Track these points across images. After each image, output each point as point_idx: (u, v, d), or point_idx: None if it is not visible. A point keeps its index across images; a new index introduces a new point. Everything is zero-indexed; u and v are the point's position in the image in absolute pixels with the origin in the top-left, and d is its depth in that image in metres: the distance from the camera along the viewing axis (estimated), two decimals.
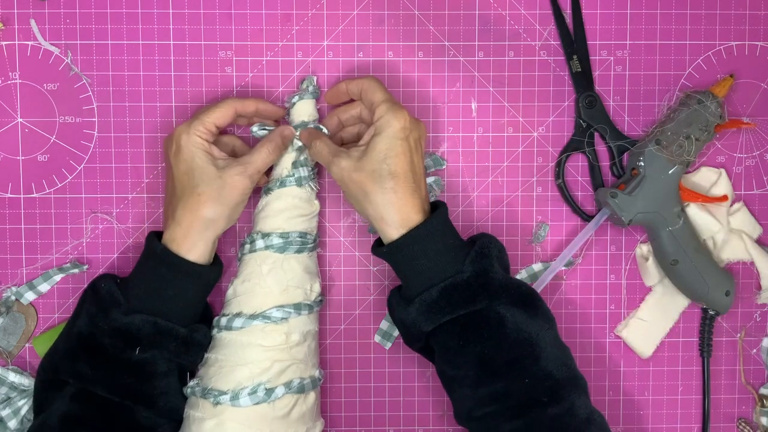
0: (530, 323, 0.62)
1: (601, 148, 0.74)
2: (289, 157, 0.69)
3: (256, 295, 0.67)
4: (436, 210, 0.65)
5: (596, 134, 0.74)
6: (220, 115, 0.67)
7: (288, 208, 0.68)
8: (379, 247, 0.66)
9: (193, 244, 0.65)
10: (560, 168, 0.73)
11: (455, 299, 0.62)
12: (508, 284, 0.63)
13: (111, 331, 0.63)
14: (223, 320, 0.67)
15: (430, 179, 0.73)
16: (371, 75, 0.69)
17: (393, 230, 0.63)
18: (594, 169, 0.74)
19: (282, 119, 0.72)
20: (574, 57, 0.73)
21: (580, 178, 0.74)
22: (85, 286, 0.68)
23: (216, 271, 0.68)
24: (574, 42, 0.73)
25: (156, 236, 0.67)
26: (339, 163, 0.65)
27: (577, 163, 0.74)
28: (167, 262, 0.65)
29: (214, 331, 0.68)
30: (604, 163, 0.74)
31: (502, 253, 0.67)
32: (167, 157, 0.67)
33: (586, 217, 0.74)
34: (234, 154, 0.70)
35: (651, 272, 0.74)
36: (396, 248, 0.64)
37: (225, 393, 0.65)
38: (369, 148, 0.64)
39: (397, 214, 0.63)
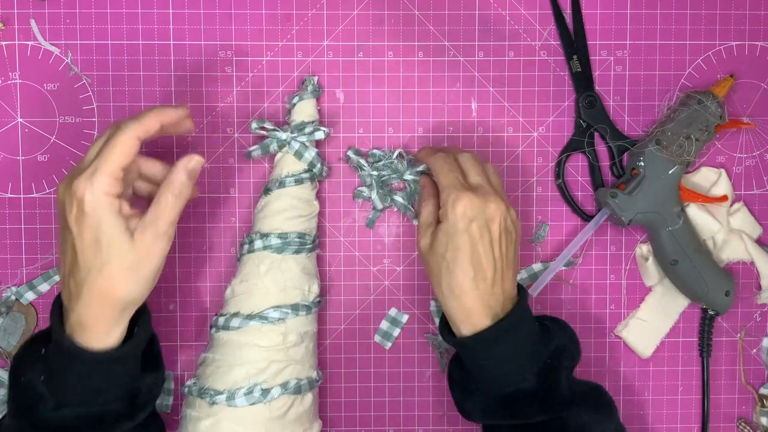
0: (594, 427, 0.60)
1: (601, 148, 0.74)
2: (288, 158, 0.69)
3: (254, 295, 0.67)
4: (513, 308, 0.60)
5: (596, 134, 0.74)
6: (122, 155, 0.54)
7: (287, 209, 0.68)
8: (446, 331, 0.63)
9: (107, 332, 0.55)
10: (560, 168, 0.73)
11: (515, 409, 0.60)
12: (573, 396, 0.60)
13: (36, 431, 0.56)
14: (221, 320, 0.67)
15: (415, 172, 0.72)
16: (441, 154, 0.64)
17: (459, 327, 0.61)
18: (594, 169, 0.74)
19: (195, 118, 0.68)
20: (574, 57, 0.73)
21: (580, 178, 0.74)
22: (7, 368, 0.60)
23: (140, 340, 0.57)
24: (574, 42, 0.73)
25: (59, 312, 0.56)
26: (420, 240, 0.62)
27: (577, 163, 0.74)
28: (81, 358, 0.55)
29: (212, 330, 0.68)
30: (604, 163, 0.74)
31: (575, 354, 0.63)
32: (64, 218, 0.55)
33: (586, 217, 0.74)
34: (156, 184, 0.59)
35: (651, 272, 0.74)
36: (461, 346, 0.62)
37: (221, 393, 0.65)
38: (434, 238, 0.61)
39: (458, 313, 0.60)
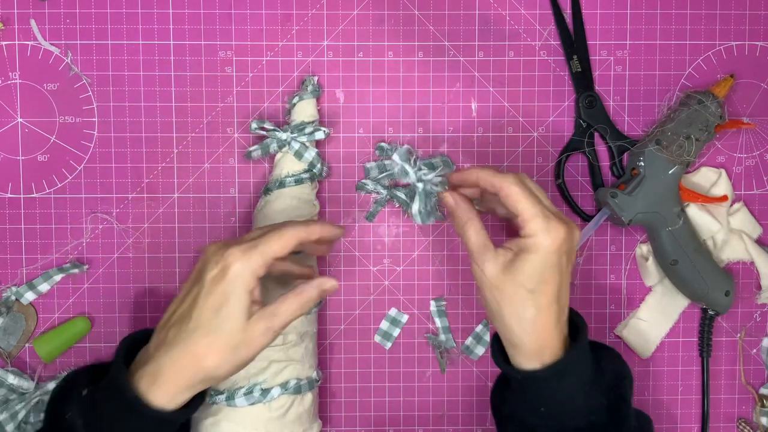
0: None
1: (601, 148, 0.74)
2: (288, 158, 0.69)
3: None
4: (578, 338, 0.58)
5: (596, 134, 0.74)
6: (283, 247, 0.56)
7: (287, 209, 0.68)
8: (505, 362, 0.59)
9: (175, 395, 0.54)
10: (560, 168, 0.73)
11: None
12: (640, 429, 0.60)
13: None
14: None
15: (436, 179, 0.72)
16: (512, 176, 0.58)
17: (525, 360, 0.57)
18: (594, 169, 0.74)
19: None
20: (574, 57, 0.73)
21: (580, 178, 0.74)
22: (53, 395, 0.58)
23: (197, 404, 0.58)
24: (574, 42, 0.73)
25: (124, 356, 0.56)
26: (483, 264, 0.57)
27: (577, 163, 0.74)
28: (140, 412, 0.54)
29: None
30: (604, 163, 0.74)
31: (632, 379, 0.62)
32: (200, 271, 0.56)
33: (586, 217, 0.74)
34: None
35: (651, 272, 0.74)
36: (531, 380, 0.58)
37: (221, 393, 0.65)
38: (515, 266, 0.56)
39: (532, 346, 0.56)
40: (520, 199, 0.56)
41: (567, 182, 0.74)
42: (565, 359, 0.57)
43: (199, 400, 0.58)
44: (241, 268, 0.54)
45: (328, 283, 0.58)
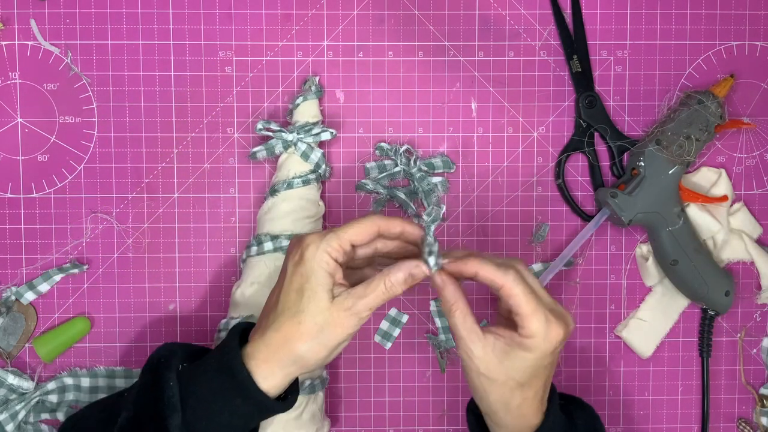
0: None
1: (601, 148, 0.74)
2: (294, 158, 0.69)
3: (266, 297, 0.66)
4: (551, 401, 0.59)
5: (596, 134, 0.74)
6: (359, 232, 0.57)
7: (295, 210, 0.68)
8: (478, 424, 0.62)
9: (271, 373, 0.55)
10: (560, 168, 0.73)
11: None
12: None
13: None
14: (233, 324, 0.67)
15: (436, 179, 0.73)
16: (513, 273, 0.56)
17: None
18: (594, 169, 0.74)
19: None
20: (574, 57, 0.73)
21: (580, 178, 0.74)
22: (152, 358, 0.59)
23: (285, 407, 0.58)
24: (574, 42, 0.73)
25: (240, 334, 0.58)
26: (470, 350, 0.56)
27: (577, 163, 0.74)
28: (247, 395, 0.55)
29: (222, 334, 0.68)
30: (604, 163, 0.74)
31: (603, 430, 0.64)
32: (287, 261, 0.58)
33: (586, 217, 0.74)
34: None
35: (651, 272, 0.74)
36: None
37: None
38: (508, 358, 0.56)
39: (515, 426, 0.58)
40: (522, 301, 0.55)
41: (567, 182, 0.74)
42: (542, 428, 0.58)
43: (293, 397, 0.59)
44: (316, 250, 0.55)
45: (418, 267, 0.56)
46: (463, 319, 0.56)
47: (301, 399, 0.65)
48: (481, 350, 0.56)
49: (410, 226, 0.58)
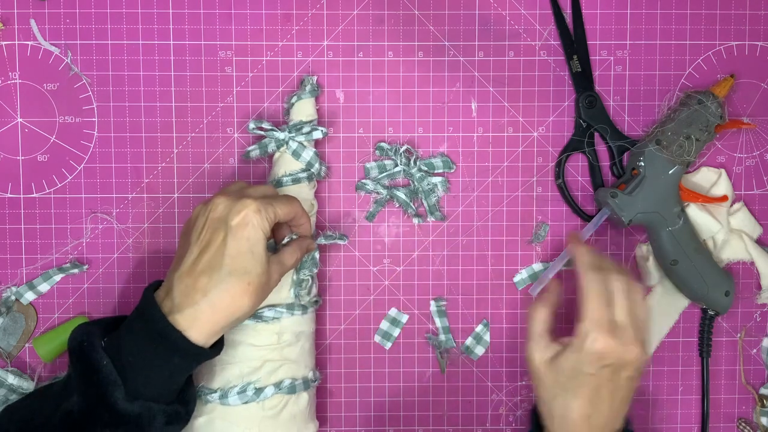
0: None
1: (601, 148, 0.74)
2: (286, 157, 0.69)
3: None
4: None
5: (596, 134, 0.74)
6: (287, 212, 0.62)
7: None
8: None
9: (212, 334, 0.59)
10: (560, 168, 0.73)
11: None
12: None
13: (111, 418, 0.57)
14: None
15: (436, 179, 0.73)
16: (595, 266, 0.62)
17: None
18: (594, 169, 0.74)
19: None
20: (574, 57, 0.73)
21: (580, 178, 0.74)
22: (73, 346, 0.60)
23: (216, 352, 0.61)
24: (574, 42, 0.73)
25: (154, 303, 0.59)
26: (532, 352, 0.62)
27: (577, 163, 0.74)
28: (184, 352, 0.58)
29: None
30: (604, 163, 0.74)
31: None
32: (221, 220, 0.60)
33: (586, 217, 0.74)
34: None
35: (651, 272, 0.74)
36: None
37: (214, 391, 0.65)
38: (558, 360, 0.60)
39: None
40: (587, 298, 0.60)
41: (567, 182, 0.74)
42: None
43: (222, 344, 0.62)
44: (261, 219, 0.59)
45: (312, 244, 0.66)
46: (539, 322, 0.62)
47: (279, 398, 0.65)
48: (540, 354, 0.61)
49: (308, 225, 0.66)
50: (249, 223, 0.59)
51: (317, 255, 0.68)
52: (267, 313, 0.66)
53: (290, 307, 0.67)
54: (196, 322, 0.58)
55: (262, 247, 0.59)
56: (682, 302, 0.75)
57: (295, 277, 0.67)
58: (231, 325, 0.60)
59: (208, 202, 0.61)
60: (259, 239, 0.59)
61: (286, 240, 0.66)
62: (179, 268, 0.60)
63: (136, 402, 0.58)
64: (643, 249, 0.75)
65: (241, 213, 0.59)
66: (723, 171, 0.74)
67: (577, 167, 0.74)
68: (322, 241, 0.70)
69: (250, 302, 0.59)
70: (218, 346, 0.61)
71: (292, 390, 0.66)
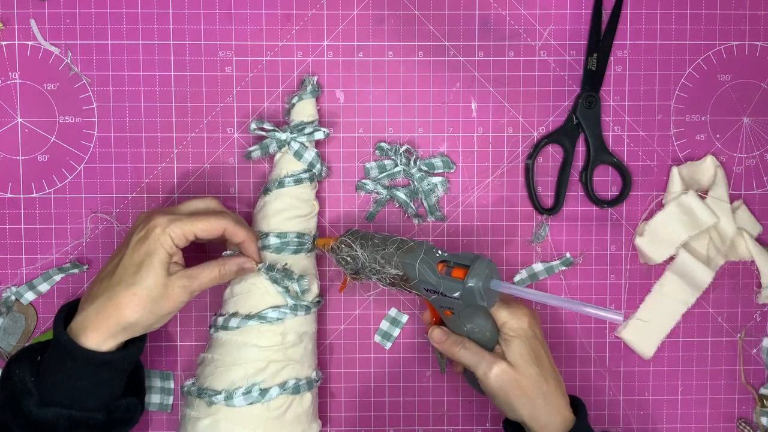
0: None
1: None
2: (287, 158, 0.69)
3: (253, 295, 0.67)
4: (578, 409, 0.66)
5: (582, 136, 0.73)
6: (206, 229, 0.63)
7: (286, 209, 0.68)
8: None
9: (102, 341, 0.60)
10: (535, 150, 0.73)
11: None
12: None
13: (23, 425, 0.60)
14: (220, 320, 0.67)
15: (436, 179, 0.73)
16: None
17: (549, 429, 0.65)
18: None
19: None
20: (594, 54, 0.72)
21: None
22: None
23: (132, 353, 0.63)
24: (600, 41, 0.72)
25: (67, 312, 0.62)
26: (484, 374, 0.64)
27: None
28: (73, 355, 0.60)
29: (211, 330, 0.68)
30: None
31: None
32: (130, 235, 0.63)
33: (543, 211, 0.73)
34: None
35: (648, 254, 0.73)
36: None
37: (219, 393, 0.65)
38: (510, 358, 0.64)
39: (558, 417, 0.64)
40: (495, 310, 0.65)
41: (537, 166, 0.73)
42: (578, 425, 0.64)
43: (138, 346, 0.63)
44: (161, 233, 0.61)
45: (248, 263, 0.65)
46: (470, 352, 0.64)
47: (284, 399, 0.65)
48: (500, 361, 0.64)
49: (250, 243, 0.65)
50: (149, 239, 0.61)
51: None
52: (271, 314, 0.66)
53: (294, 308, 0.66)
54: (84, 328, 0.60)
55: (158, 262, 0.60)
56: (682, 302, 0.74)
57: (272, 273, 0.66)
58: (126, 332, 0.61)
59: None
60: (155, 254, 0.60)
61: (223, 254, 0.66)
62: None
63: (49, 409, 0.60)
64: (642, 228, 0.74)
65: (145, 229, 0.61)
66: (721, 171, 0.74)
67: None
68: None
69: (134, 312, 0.60)
70: (130, 349, 0.62)
71: (296, 390, 0.66)
